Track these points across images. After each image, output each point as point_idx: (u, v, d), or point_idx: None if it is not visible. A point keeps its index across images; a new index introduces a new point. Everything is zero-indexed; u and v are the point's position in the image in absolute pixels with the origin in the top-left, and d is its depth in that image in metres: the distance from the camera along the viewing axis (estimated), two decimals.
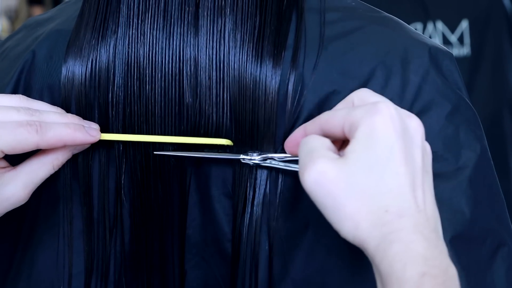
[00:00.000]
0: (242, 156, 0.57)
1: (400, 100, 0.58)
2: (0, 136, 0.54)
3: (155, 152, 0.59)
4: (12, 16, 4.71)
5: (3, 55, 0.67)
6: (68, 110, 0.60)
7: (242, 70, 0.57)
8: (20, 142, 0.54)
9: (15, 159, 0.58)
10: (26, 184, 0.57)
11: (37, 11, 4.46)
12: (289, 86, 0.57)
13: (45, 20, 0.67)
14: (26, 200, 0.57)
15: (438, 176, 0.55)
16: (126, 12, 0.59)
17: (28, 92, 0.63)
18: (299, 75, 0.58)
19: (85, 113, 0.60)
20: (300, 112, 0.58)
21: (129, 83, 0.59)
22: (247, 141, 0.58)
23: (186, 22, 0.58)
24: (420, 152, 0.50)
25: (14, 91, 0.63)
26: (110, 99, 0.59)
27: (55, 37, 0.63)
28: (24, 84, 0.63)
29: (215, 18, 0.57)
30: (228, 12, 0.57)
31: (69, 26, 0.62)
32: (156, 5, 0.58)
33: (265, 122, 0.57)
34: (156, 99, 0.58)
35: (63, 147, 0.57)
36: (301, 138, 0.53)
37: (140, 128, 0.59)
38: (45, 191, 0.62)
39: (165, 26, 0.58)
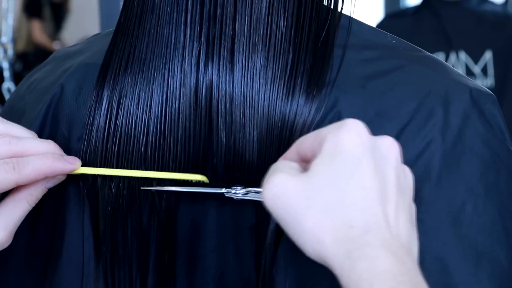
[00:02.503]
0: (224, 190, 0.56)
1: (441, 143, 0.55)
2: None
3: (142, 188, 0.57)
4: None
5: (31, 87, 0.66)
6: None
7: (272, 108, 0.55)
8: None
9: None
10: (6, 226, 0.55)
11: (37, 25, 4.49)
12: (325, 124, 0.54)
13: (74, 53, 0.66)
14: (9, 242, 0.55)
15: (482, 228, 0.54)
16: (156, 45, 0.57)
17: (56, 125, 0.61)
18: (337, 113, 0.55)
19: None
20: None
21: (162, 119, 0.57)
22: None
23: (222, 57, 0.56)
24: (394, 171, 0.47)
25: (42, 125, 0.61)
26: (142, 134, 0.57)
27: (84, 71, 0.61)
28: (52, 118, 0.61)
29: (250, 54, 0.55)
30: (260, 48, 0.55)
31: (98, 59, 0.60)
32: (191, 39, 0.56)
33: None
34: (185, 135, 0.56)
35: (35, 182, 0.55)
36: None
37: (167, 165, 0.57)
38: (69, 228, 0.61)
39: (200, 61, 0.56)
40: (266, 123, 0.55)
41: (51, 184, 0.57)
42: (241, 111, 0.55)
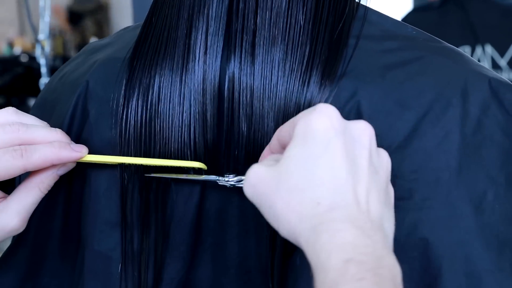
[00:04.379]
0: (218, 178, 0.57)
1: (460, 132, 0.55)
2: None
3: (145, 175, 0.58)
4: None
5: (62, 80, 0.67)
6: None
7: (288, 99, 0.56)
8: (6, 168, 0.54)
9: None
10: (18, 211, 0.56)
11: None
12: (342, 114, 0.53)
13: (103, 46, 0.66)
14: (23, 228, 0.57)
15: (504, 217, 0.54)
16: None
17: (85, 116, 0.62)
18: (356, 103, 0.55)
19: (144, 140, 0.59)
20: None
21: (186, 110, 0.58)
22: None
23: (244, 51, 0.56)
24: (367, 153, 0.47)
25: (73, 115, 0.63)
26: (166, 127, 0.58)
27: (112, 64, 0.62)
28: (82, 109, 0.63)
29: (270, 48, 0.56)
30: (280, 41, 0.56)
31: (126, 53, 0.61)
32: (215, 33, 0.57)
33: None
34: (210, 125, 0.57)
35: (46, 169, 0.57)
36: (267, 155, 0.52)
37: (190, 154, 0.58)
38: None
39: (223, 55, 0.57)
40: (282, 115, 0.56)
41: (61, 171, 0.58)
42: (261, 103, 0.56)
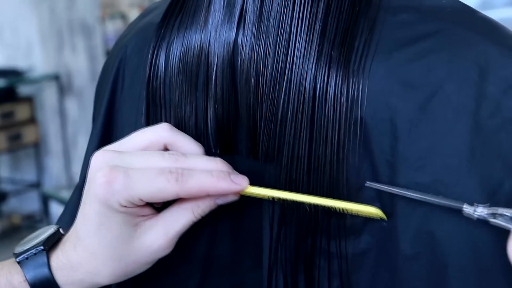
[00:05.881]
0: (465, 206, 0.48)
1: (473, 115, 0.49)
2: (139, 184, 0.50)
3: (367, 184, 0.51)
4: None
5: (117, 42, 0.68)
6: (154, 103, 0.59)
7: (303, 78, 0.52)
8: (159, 191, 0.51)
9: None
10: (167, 231, 0.53)
11: None
12: (342, 95, 0.51)
13: (150, 10, 0.66)
14: (170, 250, 0.54)
15: None
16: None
17: (122, 83, 0.63)
18: (358, 84, 0.51)
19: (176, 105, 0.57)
20: (355, 127, 0.51)
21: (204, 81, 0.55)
22: None
23: (255, 22, 0.54)
24: None
25: (114, 81, 0.63)
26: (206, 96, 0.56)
27: (145, 30, 0.62)
28: (122, 75, 0.63)
29: (283, 20, 0.53)
30: (291, 14, 0.52)
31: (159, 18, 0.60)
32: (230, 2, 0.55)
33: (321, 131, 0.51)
34: (220, 99, 0.55)
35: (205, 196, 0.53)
36: None
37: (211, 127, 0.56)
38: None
39: (238, 27, 0.54)
40: (297, 95, 0.52)
41: (221, 201, 0.54)
42: (277, 81, 0.52)
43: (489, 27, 0.52)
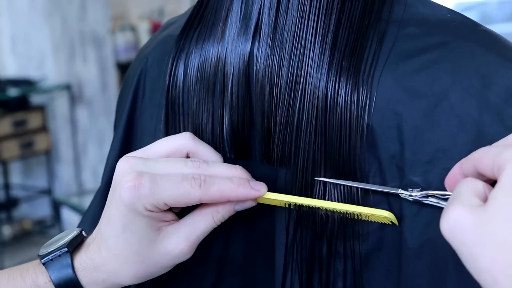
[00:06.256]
0: (400, 191, 0.51)
1: (476, 124, 0.50)
2: (164, 189, 0.52)
3: (316, 178, 0.54)
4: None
5: (138, 53, 0.69)
6: (173, 111, 0.60)
7: (316, 87, 0.53)
8: (183, 195, 0.52)
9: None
10: (188, 236, 0.55)
11: None
12: (353, 103, 0.52)
13: (172, 23, 0.67)
14: (190, 254, 0.55)
15: None
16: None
17: (143, 92, 0.64)
18: (367, 92, 0.52)
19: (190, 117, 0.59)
20: (367, 131, 0.52)
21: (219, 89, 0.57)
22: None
23: (270, 34, 0.55)
24: None
25: (135, 91, 0.65)
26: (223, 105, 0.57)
27: (165, 42, 0.63)
28: (143, 84, 0.64)
29: (298, 32, 0.54)
30: (306, 25, 0.54)
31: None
32: (246, 15, 0.56)
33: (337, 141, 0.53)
34: (235, 107, 0.57)
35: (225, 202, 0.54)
36: (458, 175, 0.47)
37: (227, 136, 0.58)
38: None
39: (254, 40, 0.56)
40: (311, 103, 0.53)
41: (240, 207, 0.55)
42: (292, 90, 0.54)
43: (491, 40, 0.54)
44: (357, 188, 0.53)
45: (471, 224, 0.42)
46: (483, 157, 0.45)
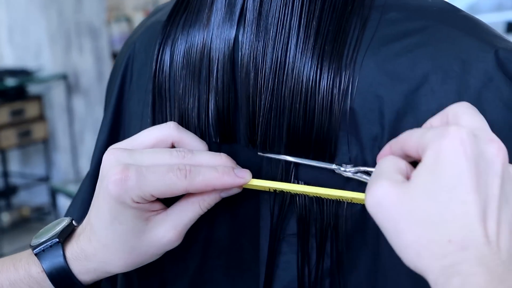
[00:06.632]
0: (335, 167, 0.53)
1: None
2: (151, 181, 0.52)
3: (259, 153, 0.56)
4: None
5: (126, 40, 0.70)
6: (160, 96, 0.60)
7: (303, 75, 0.53)
8: (169, 186, 0.52)
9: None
10: (176, 225, 0.55)
11: None
12: (335, 87, 0.52)
13: (159, 10, 0.67)
14: (179, 242, 0.56)
15: None
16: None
17: (130, 77, 0.64)
18: (349, 76, 0.52)
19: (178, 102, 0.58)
20: (345, 115, 0.53)
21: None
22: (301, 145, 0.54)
23: (255, 20, 0.55)
24: (499, 181, 0.43)
25: (123, 76, 0.65)
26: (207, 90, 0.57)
27: (153, 28, 0.63)
28: (130, 69, 0.64)
29: (282, 17, 0.54)
30: (290, 10, 0.54)
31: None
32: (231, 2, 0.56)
33: (317, 124, 0.53)
34: (221, 92, 0.57)
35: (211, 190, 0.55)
36: (388, 154, 0.48)
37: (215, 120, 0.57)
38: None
39: (238, 26, 0.56)
40: (294, 87, 0.53)
41: (225, 194, 0.55)
42: (276, 74, 0.54)
43: (471, 24, 0.54)
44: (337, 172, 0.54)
45: (396, 200, 0.43)
46: (408, 139, 0.46)
